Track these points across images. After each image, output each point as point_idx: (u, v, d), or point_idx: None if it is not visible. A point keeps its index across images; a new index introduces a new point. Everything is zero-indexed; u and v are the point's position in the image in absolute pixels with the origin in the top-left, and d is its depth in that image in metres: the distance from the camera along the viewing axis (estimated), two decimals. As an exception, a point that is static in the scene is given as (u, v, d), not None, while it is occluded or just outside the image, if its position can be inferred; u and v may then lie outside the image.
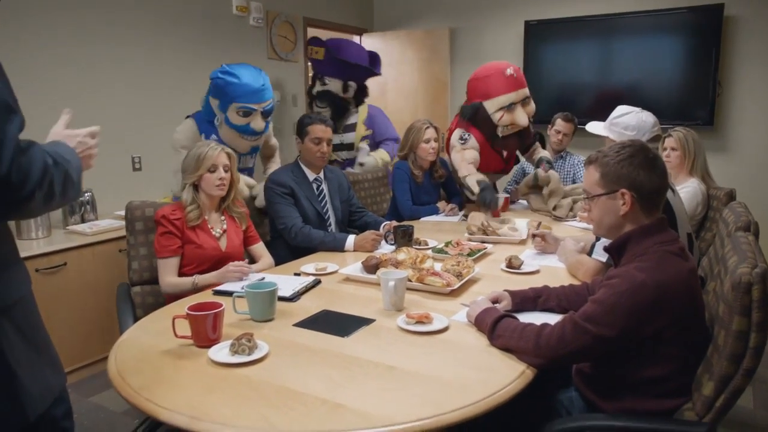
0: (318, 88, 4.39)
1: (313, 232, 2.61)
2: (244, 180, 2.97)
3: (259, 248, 2.44)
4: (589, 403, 1.54)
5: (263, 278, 2.07)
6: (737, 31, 4.51)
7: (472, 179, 3.22)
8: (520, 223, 2.88)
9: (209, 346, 1.48)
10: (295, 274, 2.18)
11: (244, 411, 1.21)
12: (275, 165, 3.36)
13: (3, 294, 0.99)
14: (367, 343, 1.55)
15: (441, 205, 3.44)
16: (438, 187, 3.60)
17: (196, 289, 2.08)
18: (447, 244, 2.48)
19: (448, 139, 3.59)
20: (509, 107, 3.27)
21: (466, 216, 3.27)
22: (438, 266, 2.11)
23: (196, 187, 2.23)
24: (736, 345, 1.23)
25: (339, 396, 1.26)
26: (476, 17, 5.56)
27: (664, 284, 1.34)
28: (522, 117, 3.32)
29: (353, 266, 2.21)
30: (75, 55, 3.40)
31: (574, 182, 3.91)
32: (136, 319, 2.01)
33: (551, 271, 2.22)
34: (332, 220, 2.87)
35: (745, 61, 4.52)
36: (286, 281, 2.02)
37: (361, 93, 4.45)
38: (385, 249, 2.57)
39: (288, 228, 2.62)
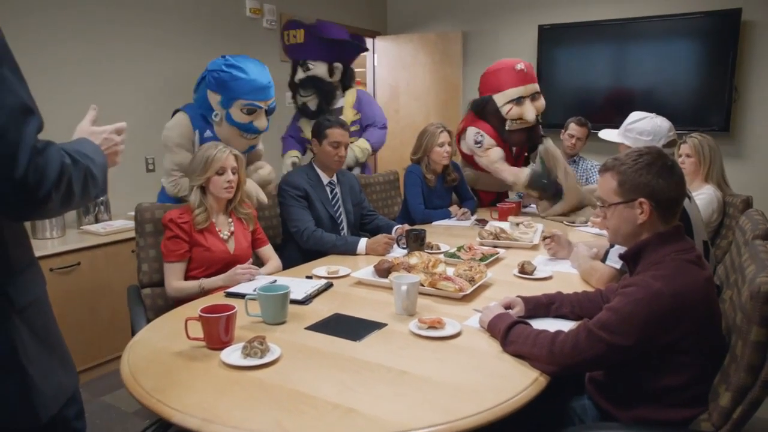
0: (301, 75, 3.87)
1: (325, 236, 2.61)
2: (258, 176, 2.82)
3: (267, 250, 2.43)
4: (602, 411, 1.52)
5: (275, 281, 2.07)
6: (755, 36, 4.46)
7: (521, 178, 3.39)
8: (538, 226, 2.89)
9: (221, 349, 1.48)
10: (307, 277, 2.18)
11: (256, 414, 1.21)
12: (261, 170, 2.96)
13: (18, 296, 1.00)
14: (379, 347, 1.55)
15: (453, 209, 3.43)
16: (450, 191, 3.59)
17: (203, 293, 2.08)
18: (459, 249, 2.47)
19: (458, 135, 3.61)
20: (518, 100, 3.37)
21: (478, 221, 3.26)
22: (450, 271, 2.10)
23: (203, 189, 2.23)
24: (754, 356, 1.21)
25: (351, 400, 1.25)
26: (489, 21, 5.55)
27: (681, 293, 1.32)
28: (530, 111, 3.40)
29: (365, 270, 2.21)
30: (88, 55, 3.43)
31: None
32: (147, 320, 2.02)
33: (564, 277, 2.20)
34: (345, 223, 2.86)
35: (762, 66, 4.47)
36: (298, 284, 2.02)
37: (348, 76, 4.02)
38: (397, 253, 2.56)
39: (300, 231, 2.62)
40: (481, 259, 2.34)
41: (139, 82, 3.72)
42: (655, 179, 1.43)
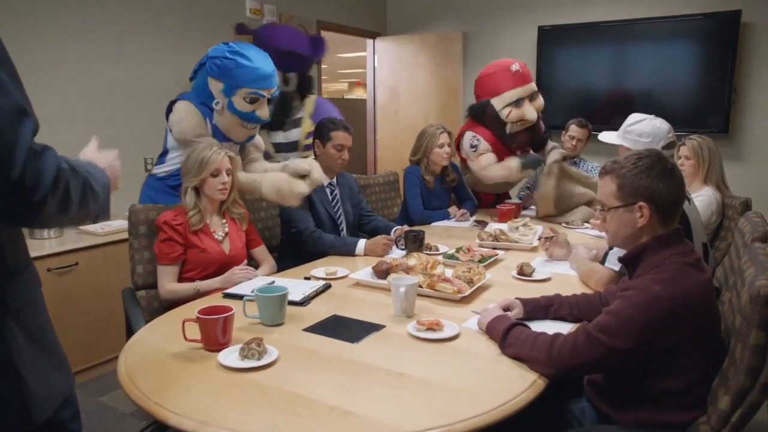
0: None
1: (324, 236, 2.61)
2: (294, 166, 2.59)
3: (261, 251, 2.42)
4: (601, 414, 1.52)
5: (273, 282, 2.06)
6: (754, 38, 4.46)
7: (513, 168, 3.33)
8: (537, 228, 2.89)
9: (219, 350, 1.48)
10: (306, 278, 2.17)
11: (253, 416, 1.20)
12: (260, 163, 2.85)
13: (13, 299, 0.99)
14: (377, 349, 1.54)
15: (452, 210, 3.42)
16: (449, 192, 3.59)
17: (199, 295, 2.07)
18: (458, 250, 2.47)
19: (458, 140, 3.59)
20: (516, 103, 3.31)
21: (477, 222, 3.26)
22: (449, 272, 2.09)
23: (196, 190, 2.21)
24: (753, 359, 1.21)
25: (348, 403, 1.25)
26: (489, 22, 5.55)
27: (681, 297, 1.32)
28: (530, 111, 3.34)
29: (364, 271, 2.20)
30: (88, 56, 3.42)
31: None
32: (144, 323, 2.01)
33: (563, 278, 2.20)
34: (344, 224, 2.86)
35: (761, 68, 4.47)
36: (296, 285, 2.01)
37: (305, 84, 3.78)
38: (396, 254, 2.56)
39: (300, 231, 2.62)
40: (480, 261, 2.34)
41: (140, 82, 3.71)
42: (654, 183, 1.43)
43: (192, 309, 1.65)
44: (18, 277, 1.02)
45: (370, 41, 6.05)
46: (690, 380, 1.37)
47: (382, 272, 2.11)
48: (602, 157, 4.33)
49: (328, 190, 2.82)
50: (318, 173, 2.58)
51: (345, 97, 14.47)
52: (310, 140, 3.49)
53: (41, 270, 1.13)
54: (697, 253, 1.45)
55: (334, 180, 2.86)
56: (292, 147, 3.73)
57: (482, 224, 3.18)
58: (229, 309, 1.53)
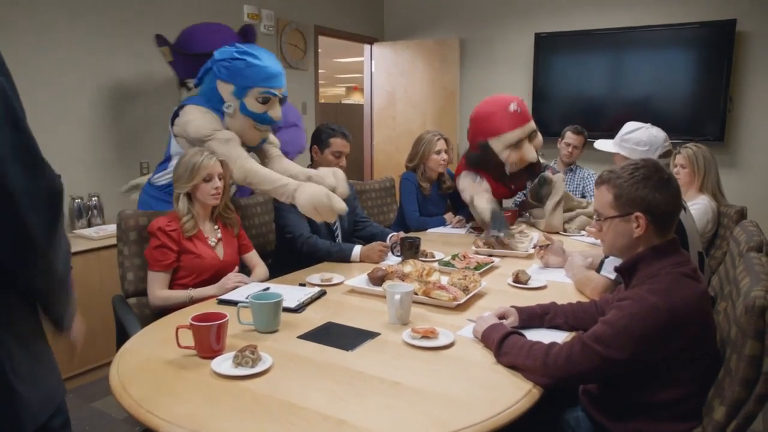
0: (184, 95, 3.43)
1: (320, 242, 2.60)
2: (320, 179, 2.48)
3: (253, 257, 2.40)
4: (596, 423, 1.51)
5: (268, 288, 2.05)
6: (749, 46, 4.48)
7: (485, 206, 3.05)
8: (533, 235, 2.89)
9: (212, 357, 1.47)
10: (300, 285, 2.16)
11: (246, 425, 1.19)
12: (279, 161, 2.70)
13: (5, 311, 0.98)
14: (372, 357, 1.53)
15: (448, 216, 3.42)
16: (445, 199, 3.58)
17: (192, 303, 2.04)
18: (454, 257, 2.46)
19: (456, 174, 3.50)
20: (516, 144, 3.12)
21: (473, 228, 3.25)
22: (444, 279, 2.09)
23: (188, 196, 2.19)
24: (748, 370, 1.21)
25: (342, 412, 1.24)
26: (487, 28, 5.57)
27: (677, 308, 1.32)
28: (530, 152, 3.17)
29: (359, 278, 2.19)
30: (83, 59, 3.41)
31: (583, 196, 3.88)
32: (140, 328, 1.99)
33: (558, 286, 2.20)
34: (339, 231, 2.85)
35: (757, 76, 4.50)
36: (290, 292, 2.00)
37: None
38: (392, 260, 2.55)
39: (295, 237, 2.60)
40: (476, 268, 2.33)
41: (136, 86, 3.70)
42: (651, 193, 1.43)
43: (185, 315, 1.64)
44: (10, 290, 1.00)
45: (367, 46, 6.06)
46: (685, 391, 1.36)
47: (377, 279, 2.10)
48: (598, 164, 4.36)
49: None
50: (343, 187, 2.53)
51: (342, 101, 14.50)
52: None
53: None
54: (693, 263, 1.45)
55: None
56: None
57: (478, 231, 3.17)
58: (223, 316, 1.52)
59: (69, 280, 1.07)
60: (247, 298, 1.80)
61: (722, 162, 3.06)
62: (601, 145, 2.47)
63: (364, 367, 1.46)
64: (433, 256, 2.60)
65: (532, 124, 3.21)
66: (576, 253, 2.35)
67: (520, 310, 1.73)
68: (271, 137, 2.71)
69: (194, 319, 1.50)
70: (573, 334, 1.67)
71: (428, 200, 3.42)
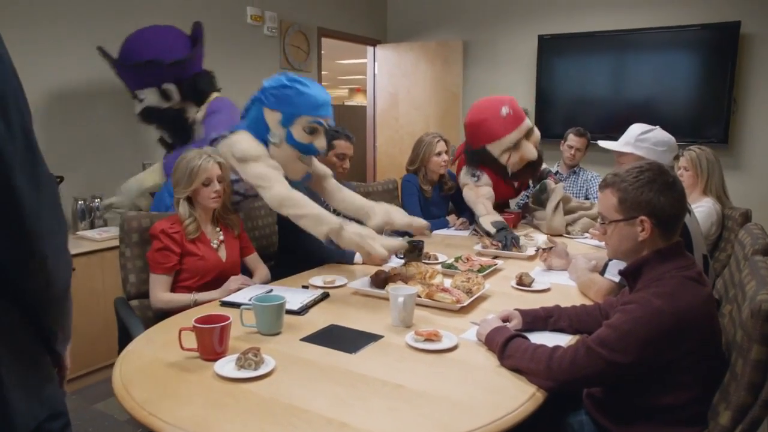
0: (137, 107, 3.24)
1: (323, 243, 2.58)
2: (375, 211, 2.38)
3: (254, 259, 2.39)
4: (600, 427, 1.51)
5: (271, 290, 2.05)
6: (753, 49, 4.47)
7: (487, 220, 3.04)
8: (539, 237, 2.89)
9: (215, 360, 1.46)
10: (303, 287, 2.16)
11: (248, 428, 1.19)
12: (339, 191, 2.55)
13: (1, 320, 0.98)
14: (375, 360, 1.53)
15: (451, 219, 3.42)
16: (447, 200, 3.58)
17: (196, 306, 2.03)
18: (457, 260, 2.46)
19: (459, 167, 3.53)
20: (515, 146, 3.13)
21: (476, 231, 3.24)
22: (448, 282, 2.08)
23: (189, 200, 2.17)
24: (754, 374, 1.20)
25: (345, 415, 1.23)
26: (490, 30, 5.57)
27: (682, 312, 1.31)
28: (530, 151, 3.18)
29: (362, 280, 2.19)
30: (88, 60, 3.42)
31: (587, 198, 3.87)
32: (143, 330, 1.99)
33: (562, 289, 2.19)
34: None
35: (760, 79, 4.49)
36: (293, 294, 2.00)
37: (196, 87, 3.23)
38: (395, 263, 2.54)
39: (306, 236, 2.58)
40: (479, 270, 2.33)
41: (138, 87, 3.70)
42: (656, 197, 1.42)
43: (188, 318, 1.64)
44: (4, 296, 1.00)
45: (370, 48, 6.06)
46: (690, 395, 1.35)
47: (380, 281, 2.09)
48: (601, 167, 4.35)
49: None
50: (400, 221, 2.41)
51: (345, 103, 14.50)
52: None
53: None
54: (698, 267, 1.44)
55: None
56: None
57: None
58: (226, 318, 1.52)
59: (68, 301, 1.06)
60: (249, 300, 1.80)
61: (726, 164, 3.05)
62: (611, 145, 2.38)
63: (367, 370, 1.45)
64: (437, 259, 2.60)
65: (527, 123, 3.20)
66: (580, 256, 2.34)
67: (524, 313, 1.72)
68: (320, 165, 2.56)
69: (197, 321, 1.50)
70: (577, 337, 1.66)
71: (430, 202, 3.42)
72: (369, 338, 1.66)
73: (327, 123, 2.34)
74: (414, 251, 2.50)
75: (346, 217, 2.38)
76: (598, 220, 1.58)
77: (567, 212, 3.24)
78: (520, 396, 1.34)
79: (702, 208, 2.74)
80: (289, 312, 1.82)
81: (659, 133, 2.32)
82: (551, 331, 1.71)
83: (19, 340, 1.00)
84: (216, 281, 2.13)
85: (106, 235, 3.15)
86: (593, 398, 1.54)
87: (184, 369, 1.46)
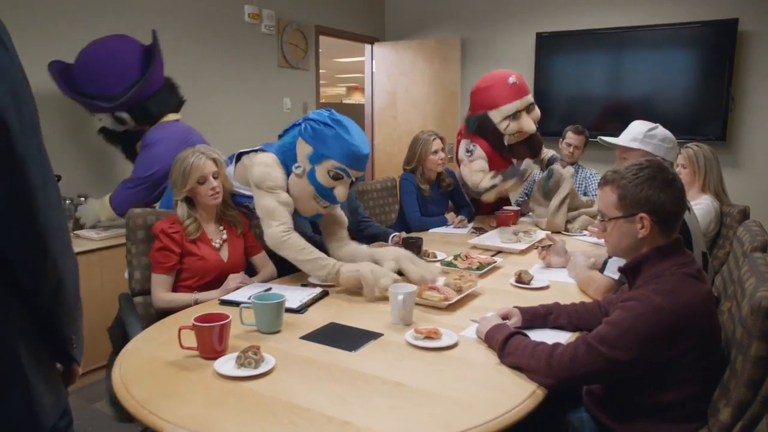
0: (97, 125, 3.26)
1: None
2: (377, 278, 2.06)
3: (261, 258, 2.37)
4: (600, 424, 1.51)
5: (270, 289, 2.05)
6: (751, 46, 4.48)
7: (486, 181, 3.21)
8: (538, 234, 2.91)
9: (215, 358, 1.46)
10: (303, 285, 2.16)
11: (249, 426, 1.19)
12: (346, 244, 2.45)
13: (22, 316, 1.00)
14: (375, 358, 1.53)
15: (450, 216, 3.41)
16: (446, 197, 3.58)
17: (196, 305, 2.03)
18: (456, 257, 2.46)
19: (458, 148, 3.57)
20: (514, 115, 3.26)
21: (475, 228, 3.25)
22: (442, 280, 2.08)
23: (190, 200, 2.17)
24: (754, 371, 1.20)
25: (345, 413, 1.23)
26: (488, 28, 5.56)
27: (682, 309, 1.31)
28: (528, 124, 3.31)
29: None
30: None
31: (585, 194, 3.87)
32: (141, 329, 1.99)
33: (561, 286, 2.19)
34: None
35: (758, 76, 4.49)
36: (293, 292, 2.00)
37: (147, 115, 3.14)
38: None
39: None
40: (478, 268, 2.33)
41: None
42: (656, 194, 1.42)
43: (188, 316, 1.64)
44: (17, 300, 1.01)
45: (368, 46, 6.06)
46: (690, 392, 1.36)
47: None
48: (600, 164, 4.36)
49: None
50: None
51: (343, 101, 14.49)
52: None
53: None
54: (697, 264, 1.44)
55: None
56: None
57: (480, 231, 3.17)
58: (226, 316, 1.52)
59: (79, 303, 1.08)
60: (249, 298, 1.80)
61: (724, 162, 3.06)
62: (619, 140, 2.35)
63: (367, 368, 1.45)
64: (435, 256, 2.60)
65: (530, 97, 3.35)
66: (579, 253, 2.35)
67: (523, 311, 1.72)
68: (340, 214, 2.49)
69: (197, 319, 1.50)
70: (576, 334, 1.67)
71: (429, 200, 3.42)
72: (369, 336, 1.66)
73: (355, 177, 2.25)
74: (413, 249, 2.50)
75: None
76: (598, 217, 1.58)
77: (571, 209, 3.24)
78: (521, 393, 1.34)
79: (700, 206, 2.74)
80: (289, 310, 1.82)
81: (663, 130, 2.32)
82: (551, 328, 1.71)
83: (33, 340, 1.02)
84: (217, 281, 2.12)
85: (104, 234, 3.15)
86: (593, 395, 1.55)
87: (184, 368, 1.45)
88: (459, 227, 3.31)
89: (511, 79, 3.28)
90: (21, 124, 0.89)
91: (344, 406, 1.27)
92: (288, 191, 2.23)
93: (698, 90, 4.64)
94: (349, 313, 1.87)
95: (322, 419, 1.21)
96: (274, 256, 2.39)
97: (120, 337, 2.60)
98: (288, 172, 2.23)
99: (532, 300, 1.88)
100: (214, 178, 2.15)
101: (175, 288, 2.12)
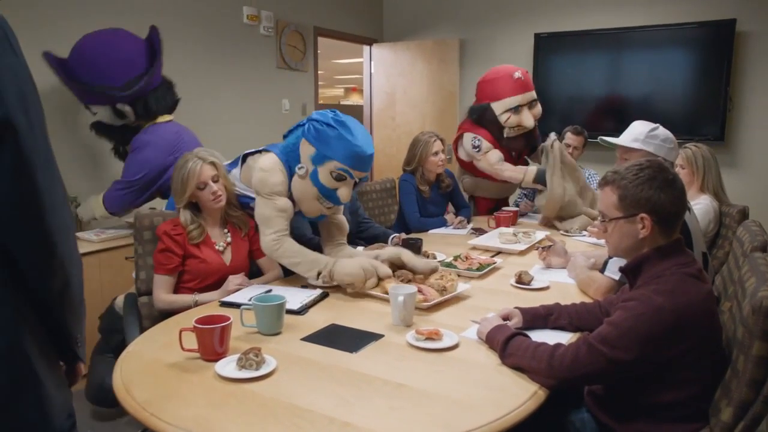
0: (91, 118, 3.20)
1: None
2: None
3: (268, 260, 2.35)
4: (601, 425, 1.51)
5: (270, 290, 2.04)
6: (749, 46, 4.49)
7: (529, 174, 3.42)
8: (537, 234, 2.93)
9: (216, 360, 1.46)
10: (303, 287, 2.16)
11: (251, 428, 1.19)
12: (342, 249, 2.43)
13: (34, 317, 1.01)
14: (376, 359, 1.53)
15: (449, 217, 3.42)
16: (446, 198, 3.58)
17: (196, 306, 2.03)
18: (456, 258, 2.46)
19: (456, 141, 3.61)
20: (516, 109, 3.40)
21: (474, 230, 3.25)
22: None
23: (193, 206, 2.17)
24: (756, 371, 1.20)
25: (347, 414, 1.23)
26: (486, 28, 5.57)
27: (683, 309, 1.31)
28: (528, 119, 3.43)
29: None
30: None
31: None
32: (142, 329, 1.99)
33: (561, 287, 2.19)
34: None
35: (756, 76, 4.50)
36: (293, 294, 2.00)
37: (147, 110, 3.13)
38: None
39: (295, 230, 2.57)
40: (478, 269, 2.33)
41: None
42: (656, 194, 1.42)
43: (189, 318, 1.64)
44: (27, 301, 1.02)
45: (366, 47, 6.06)
46: (691, 392, 1.36)
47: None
48: (599, 165, 4.36)
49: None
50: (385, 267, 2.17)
51: (341, 102, 14.49)
52: None
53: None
54: (698, 264, 1.44)
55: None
56: None
57: (479, 232, 3.17)
58: (227, 318, 1.51)
59: (83, 303, 1.09)
60: (250, 300, 1.80)
61: (722, 162, 3.06)
62: (620, 140, 2.33)
63: (368, 369, 1.45)
64: (435, 257, 2.60)
65: (533, 94, 3.50)
66: (578, 254, 2.35)
67: (524, 311, 1.72)
68: (342, 220, 2.47)
69: (197, 321, 1.49)
70: (577, 335, 1.67)
71: (428, 201, 3.42)
72: (370, 337, 1.66)
73: (359, 178, 2.22)
74: (412, 250, 2.50)
75: None
76: (599, 217, 1.58)
77: (573, 200, 3.25)
78: (522, 394, 1.34)
79: (700, 206, 2.74)
80: (289, 312, 1.82)
81: (664, 131, 2.31)
82: (551, 329, 1.71)
83: (43, 340, 1.02)
84: (218, 284, 2.12)
85: (103, 236, 3.14)
86: (594, 396, 1.55)
87: (185, 369, 1.45)
88: (458, 228, 3.31)
89: (517, 74, 3.42)
90: (29, 126, 0.90)
91: (346, 407, 1.27)
92: (290, 193, 2.23)
93: (696, 90, 4.65)
94: (349, 315, 1.87)
95: (323, 420, 1.21)
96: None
97: (110, 325, 2.61)
98: (291, 173, 2.22)
99: (533, 301, 1.89)
100: (214, 181, 2.14)
101: (177, 289, 2.12)
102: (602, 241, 1.62)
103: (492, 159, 3.50)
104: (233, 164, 2.36)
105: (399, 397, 1.32)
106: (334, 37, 5.53)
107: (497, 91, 3.44)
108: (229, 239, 2.24)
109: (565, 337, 1.64)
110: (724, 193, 2.90)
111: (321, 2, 5.28)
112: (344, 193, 2.20)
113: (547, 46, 5.20)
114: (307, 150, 2.18)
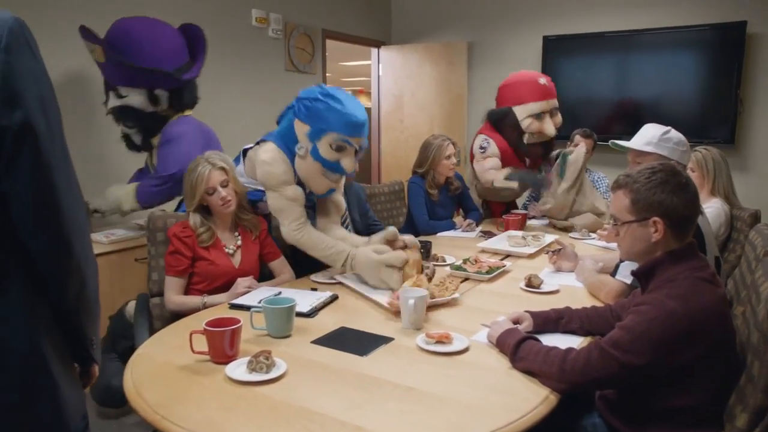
0: (114, 102, 3.09)
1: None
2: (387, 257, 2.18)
3: (279, 264, 2.36)
4: (613, 429, 1.50)
5: (280, 293, 2.04)
6: (760, 48, 4.45)
7: (500, 180, 3.31)
8: (546, 238, 2.91)
9: (226, 363, 1.46)
10: (312, 290, 2.16)
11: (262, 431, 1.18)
12: (333, 229, 2.46)
13: (49, 319, 1.02)
14: (386, 362, 1.52)
15: (458, 220, 3.41)
16: (455, 201, 3.57)
17: (205, 308, 2.04)
18: (465, 261, 2.45)
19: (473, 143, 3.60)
20: (538, 116, 3.35)
21: (483, 232, 3.24)
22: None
23: (206, 208, 2.18)
24: (771, 376, 1.19)
25: (358, 418, 1.23)
26: (495, 31, 5.56)
27: (697, 313, 1.30)
28: (550, 127, 3.39)
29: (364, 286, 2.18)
30: (93, 66, 3.42)
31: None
32: (152, 331, 2.00)
33: (571, 290, 2.18)
34: (351, 227, 2.84)
35: (767, 79, 4.46)
36: (302, 296, 1.99)
37: (181, 100, 3.14)
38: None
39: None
40: (487, 272, 2.32)
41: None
42: (669, 197, 1.41)
43: (199, 320, 1.64)
44: (45, 302, 1.02)
45: (374, 50, 6.06)
46: (704, 397, 1.35)
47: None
48: (608, 168, 4.34)
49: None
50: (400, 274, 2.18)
51: (348, 105, 14.46)
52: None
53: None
54: (711, 268, 1.43)
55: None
56: None
57: (489, 235, 3.16)
58: (237, 321, 1.51)
59: (98, 305, 1.11)
60: (259, 302, 1.80)
61: (733, 165, 3.04)
62: (633, 144, 2.31)
63: (378, 373, 1.45)
64: (444, 260, 2.59)
65: (555, 102, 3.45)
66: (587, 258, 2.33)
67: (535, 315, 1.72)
68: (339, 199, 2.51)
69: (208, 324, 1.49)
70: (588, 339, 1.66)
71: (437, 204, 3.41)
72: (380, 340, 1.66)
73: (357, 144, 2.22)
74: (422, 252, 2.49)
75: None
76: (611, 221, 1.57)
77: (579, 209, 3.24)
78: (533, 398, 1.33)
79: (711, 209, 2.73)
80: (299, 314, 1.82)
81: (677, 134, 2.29)
82: (562, 332, 1.71)
83: (59, 342, 1.03)
84: (227, 286, 2.13)
85: (113, 237, 3.15)
86: (606, 400, 1.54)
87: (196, 372, 1.45)
88: (467, 231, 3.30)
89: (542, 81, 3.39)
90: (48, 129, 0.91)
91: (357, 410, 1.26)
92: (296, 178, 2.26)
93: (706, 93, 4.62)
94: (359, 317, 1.87)
95: (335, 424, 1.21)
96: (289, 259, 2.40)
97: (118, 330, 2.62)
98: (293, 156, 2.25)
99: (543, 304, 1.88)
100: (223, 186, 2.14)
101: (188, 291, 2.13)
102: (612, 245, 1.61)
103: (486, 165, 3.42)
104: (235, 161, 2.38)
105: (409, 400, 1.31)
106: (343, 39, 5.53)
107: (521, 96, 3.38)
108: (239, 242, 2.24)
109: (576, 341, 1.63)
110: (735, 197, 2.88)
111: (329, 5, 5.29)
112: (347, 162, 2.23)
113: (555, 48, 5.18)
114: (301, 129, 2.21)
